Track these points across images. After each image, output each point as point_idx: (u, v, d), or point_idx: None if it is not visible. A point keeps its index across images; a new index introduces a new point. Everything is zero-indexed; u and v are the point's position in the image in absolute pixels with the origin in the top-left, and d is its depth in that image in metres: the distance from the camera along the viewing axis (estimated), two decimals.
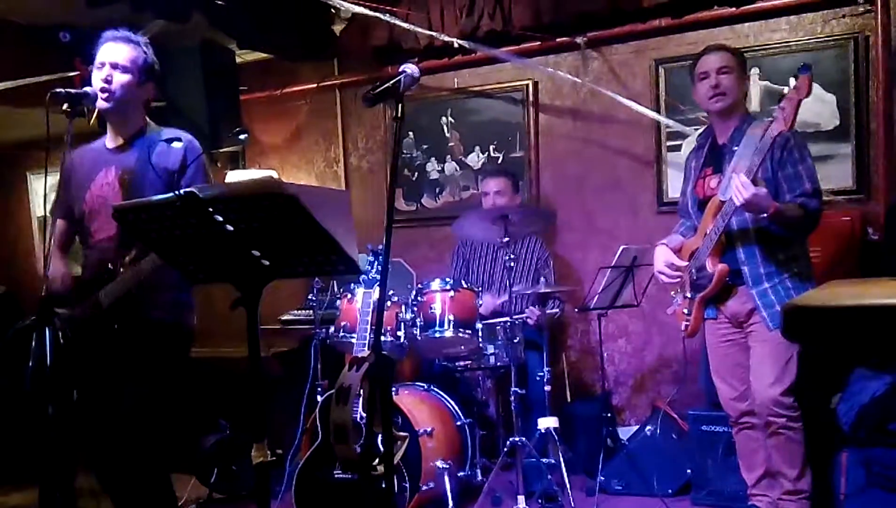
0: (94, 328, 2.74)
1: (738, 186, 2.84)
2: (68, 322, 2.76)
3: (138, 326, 2.75)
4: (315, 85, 5.43)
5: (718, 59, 3.13)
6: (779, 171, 3.00)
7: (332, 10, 4.77)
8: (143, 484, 2.83)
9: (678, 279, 3.24)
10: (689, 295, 3.22)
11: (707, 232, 3.08)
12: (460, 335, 3.81)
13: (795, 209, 2.95)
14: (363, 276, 3.70)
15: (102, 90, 2.78)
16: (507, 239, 3.68)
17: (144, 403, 2.78)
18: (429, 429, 3.62)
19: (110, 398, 2.79)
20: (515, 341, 3.80)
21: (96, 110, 2.86)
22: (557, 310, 4.33)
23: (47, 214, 3.06)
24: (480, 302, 3.96)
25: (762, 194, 2.84)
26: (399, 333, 3.85)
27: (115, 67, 2.79)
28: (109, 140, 2.93)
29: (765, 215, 2.90)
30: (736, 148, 3.03)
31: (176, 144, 2.82)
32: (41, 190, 6.19)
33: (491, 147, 4.99)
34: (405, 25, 4.62)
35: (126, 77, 2.80)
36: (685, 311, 3.23)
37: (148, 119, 2.97)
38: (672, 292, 3.32)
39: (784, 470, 3.10)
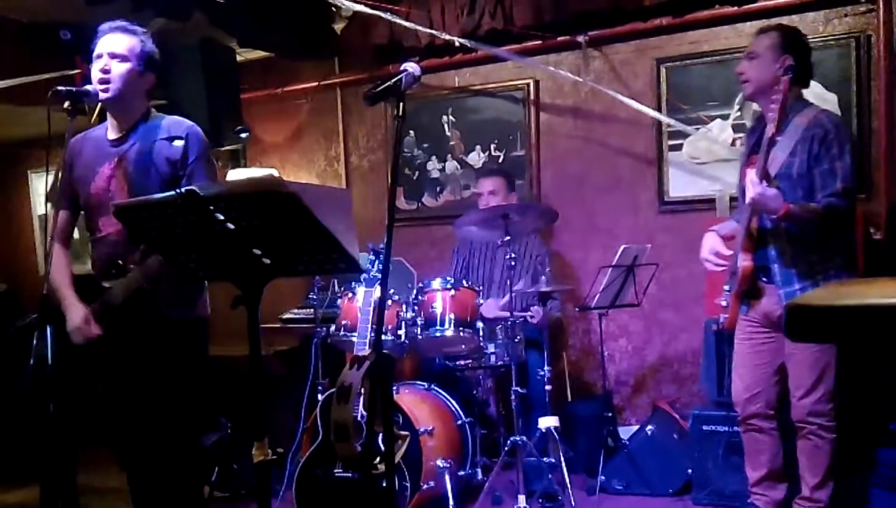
0: (107, 326, 2.72)
1: (748, 183, 2.80)
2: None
3: (154, 324, 2.74)
4: (316, 83, 5.43)
5: (752, 42, 3.04)
6: (814, 166, 2.87)
7: (333, 9, 4.77)
8: (174, 484, 2.84)
9: (723, 268, 3.11)
10: (726, 288, 3.09)
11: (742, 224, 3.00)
12: (461, 333, 3.81)
13: (815, 210, 2.84)
14: (364, 275, 3.70)
15: (101, 81, 2.74)
16: (508, 238, 3.68)
17: (173, 404, 2.77)
18: (429, 428, 3.62)
19: (133, 399, 2.79)
20: (516, 340, 3.79)
21: (97, 108, 2.85)
22: (558, 314, 4.33)
23: (48, 211, 3.04)
24: (481, 301, 3.96)
25: (769, 195, 2.78)
26: (400, 332, 3.84)
27: (113, 56, 2.75)
28: (111, 130, 2.88)
29: (774, 216, 2.83)
30: (780, 137, 2.88)
31: (177, 143, 2.80)
32: (42, 188, 6.20)
33: (492, 146, 4.99)
34: (406, 24, 4.62)
35: (125, 66, 2.76)
36: (723, 303, 3.10)
37: (151, 109, 2.93)
38: (725, 283, 3.15)
39: (805, 476, 3.04)
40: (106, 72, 2.75)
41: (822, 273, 2.90)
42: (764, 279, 3.01)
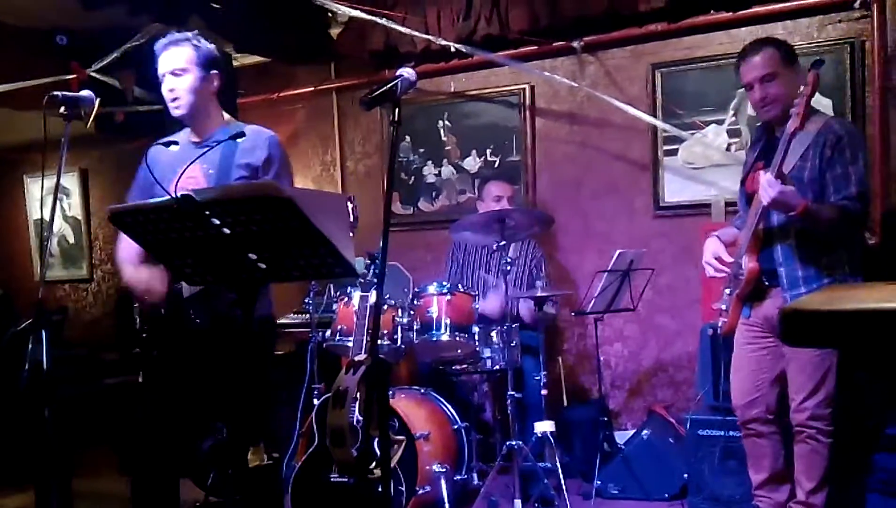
0: (174, 322, 2.71)
1: (763, 184, 2.77)
2: (145, 317, 2.75)
3: (224, 322, 2.68)
4: (312, 88, 5.43)
5: (761, 65, 2.93)
6: (827, 170, 2.86)
7: (329, 14, 4.78)
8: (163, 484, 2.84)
9: (724, 273, 3.09)
10: (728, 291, 3.08)
11: (747, 228, 2.99)
12: (457, 338, 3.81)
13: (831, 211, 2.82)
14: (360, 279, 3.70)
15: (171, 100, 2.81)
16: (503, 243, 3.69)
17: (253, 402, 2.69)
18: (425, 433, 3.61)
19: (201, 397, 2.80)
20: (512, 344, 3.79)
21: (93, 113, 2.84)
22: (553, 311, 4.34)
23: (43, 216, 3.03)
24: (477, 306, 3.96)
25: (788, 192, 2.75)
26: (396, 336, 3.84)
27: (174, 74, 2.80)
28: (192, 134, 2.92)
29: (793, 213, 2.78)
30: (795, 139, 2.85)
31: (259, 151, 2.82)
32: (38, 193, 6.19)
33: (487, 151, 5.00)
34: (402, 29, 4.63)
35: (188, 79, 2.80)
36: (723, 307, 3.10)
37: (225, 113, 2.97)
38: (724, 287, 3.14)
39: (802, 480, 3.01)
40: (172, 91, 2.80)
41: (829, 277, 2.87)
42: (767, 283, 2.98)
